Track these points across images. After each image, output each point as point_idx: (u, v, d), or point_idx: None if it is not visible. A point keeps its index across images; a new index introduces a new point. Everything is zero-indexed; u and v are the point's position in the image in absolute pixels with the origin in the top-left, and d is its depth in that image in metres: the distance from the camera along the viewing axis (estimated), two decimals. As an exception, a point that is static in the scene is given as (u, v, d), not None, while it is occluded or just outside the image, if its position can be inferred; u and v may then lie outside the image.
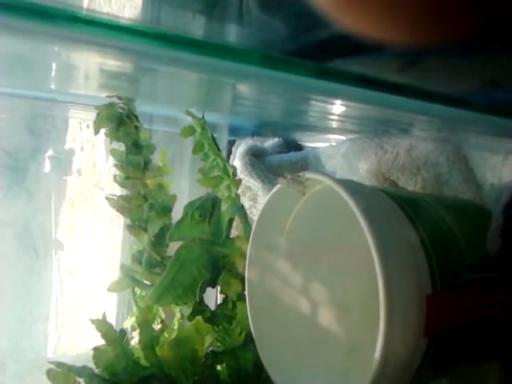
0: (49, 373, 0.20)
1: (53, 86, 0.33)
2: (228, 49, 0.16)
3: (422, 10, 0.17)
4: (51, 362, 0.20)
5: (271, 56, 0.17)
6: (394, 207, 0.20)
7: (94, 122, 0.31)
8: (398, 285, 0.18)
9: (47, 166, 1.61)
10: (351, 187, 0.20)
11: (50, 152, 1.62)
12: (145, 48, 0.15)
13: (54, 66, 0.24)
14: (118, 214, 0.33)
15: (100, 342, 0.26)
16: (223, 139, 0.42)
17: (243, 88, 0.25)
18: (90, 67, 0.24)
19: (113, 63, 0.21)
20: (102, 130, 0.31)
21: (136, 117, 0.30)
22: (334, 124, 0.30)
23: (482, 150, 0.23)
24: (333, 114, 0.25)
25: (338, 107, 0.23)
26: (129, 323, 0.35)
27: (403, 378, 0.18)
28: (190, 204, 0.28)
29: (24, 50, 0.20)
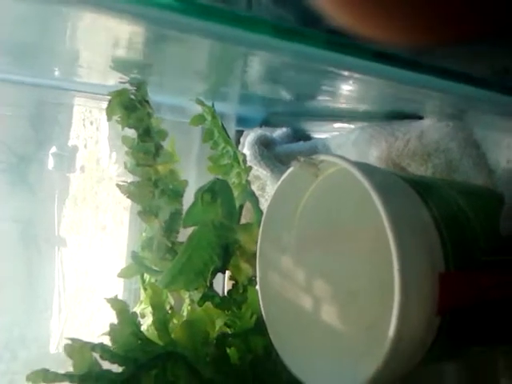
0: (66, 348, 0.20)
1: (59, 72, 0.33)
2: (239, 17, 0.16)
3: (422, 10, 0.17)
4: (68, 338, 0.20)
5: (282, 26, 0.17)
6: (407, 188, 0.21)
7: (106, 109, 0.31)
8: (412, 262, 0.18)
9: (50, 163, 1.61)
10: (365, 168, 0.20)
11: (54, 149, 1.62)
12: (156, 13, 0.15)
13: (63, 43, 0.24)
14: (121, 210, 0.33)
15: (103, 337, 0.26)
16: (231, 129, 0.42)
17: (252, 70, 0.25)
18: (101, 41, 0.23)
19: (123, 33, 0.21)
20: (106, 128, 0.32)
21: (148, 103, 0.30)
22: (344, 106, 0.30)
23: (495, 130, 0.23)
24: (343, 95, 0.25)
25: (348, 86, 0.23)
26: (137, 310, 0.35)
27: (416, 355, 0.19)
28: (201, 189, 0.29)
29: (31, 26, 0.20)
